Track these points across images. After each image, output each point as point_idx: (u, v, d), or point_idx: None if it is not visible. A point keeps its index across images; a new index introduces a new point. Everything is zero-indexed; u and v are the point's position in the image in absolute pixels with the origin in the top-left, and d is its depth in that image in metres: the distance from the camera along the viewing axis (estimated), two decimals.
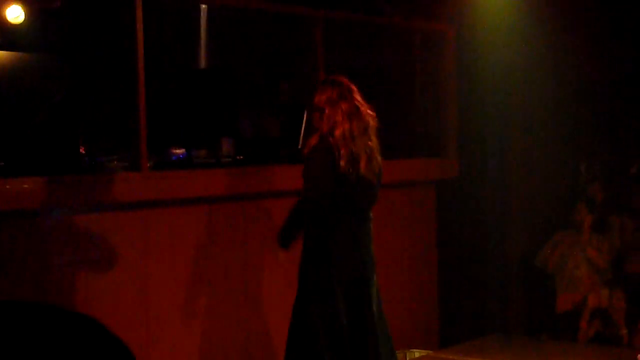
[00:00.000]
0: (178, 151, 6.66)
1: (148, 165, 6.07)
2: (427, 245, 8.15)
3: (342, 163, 4.94)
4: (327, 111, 5.08)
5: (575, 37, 8.10)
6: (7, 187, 5.33)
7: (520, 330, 8.17)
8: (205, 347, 6.30)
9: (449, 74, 8.18)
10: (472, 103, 8.18)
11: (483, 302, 8.21)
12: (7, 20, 6.59)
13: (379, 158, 5.19)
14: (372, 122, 5.12)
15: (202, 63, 7.92)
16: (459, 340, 7.84)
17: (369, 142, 5.06)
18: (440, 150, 8.21)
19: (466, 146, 8.22)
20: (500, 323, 8.20)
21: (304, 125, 7.19)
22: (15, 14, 6.60)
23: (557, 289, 8.08)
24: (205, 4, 7.77)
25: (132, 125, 5.97)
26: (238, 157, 6.94)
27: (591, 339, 7.71)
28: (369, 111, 5.12)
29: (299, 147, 7.33)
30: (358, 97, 5.12)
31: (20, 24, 6.50)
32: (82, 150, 6.03)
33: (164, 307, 6.11)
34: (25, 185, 5.39)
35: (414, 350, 7.57)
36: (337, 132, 5.00)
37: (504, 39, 8.07)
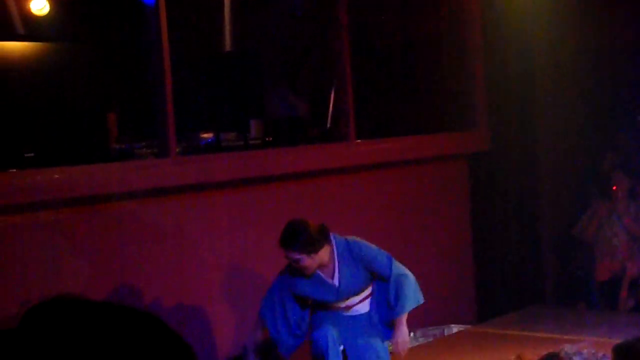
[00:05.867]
0: (206, 135, 6.67)
1: (177, 150, 6.07)
2: (460, 220, 8.11)
3: None
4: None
5: (603, 6, 8.00)
6: (38, 177, 5.36)
7: (558, 301, 8.11)
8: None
9: (476, 46, 8.10)
10: (500, 74, 8.09)
11: (519, 275, 8.16)
12: (32, 12, 6.63)
13: None
14: None
15: (227, 46, 7.91)
16: (497, 314, 7.79)
17: None
18: (471, 123, 8.14)
19: (496, 119, 8.14)
20: (537, 295, 8.15)
21: (332, 102, 7.18)
22: (40, 6, 6.64)
23: (595, 258, 8.02)
24: None
25: (159, 112, 5.97)
26: (267, 139, 6.94)
27: (631, 308, 7.64)
28: None
29: (328, 126, 7.33)
30: None
31: (45, 15, 6.54)
32: (111, 139, 6.06)
33: (200, 291, 6.13)
34: (56, 176, 5.42)
35: (452, 325, 7.55)
36: None
37: (531, 9, 7.98)
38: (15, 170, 5.38)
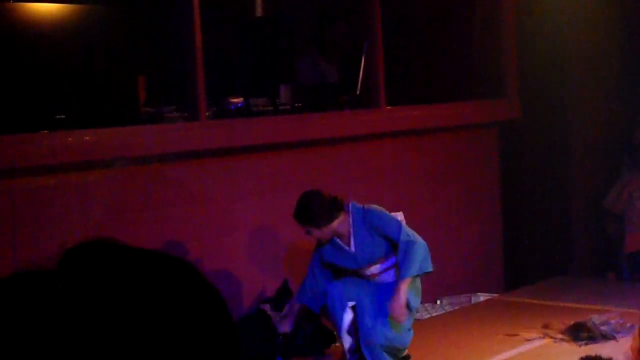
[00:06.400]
0: (236, 100, 6.67)
1: (206, 114, 6.08)
2: (490, 188, 8.08)
3: None
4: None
5: None
6: (69, 139, 5.39)
7: (586, 272, 8.07)
8: None
9: (507, 12, 8.03)
10: (531, 43, 8.02)
11: (548, 245, 8.13)
12: None
13: None
14: None
15: (258, 11, 7.89)
16: (524, 283, 7.78)
17: None
18: (502, 91, 8.08)
19: (527, 87, 8.08)
20: (565, 265, 8.12)
21: (362, 69, 7.14)
22: None
23: (625, 229, 7.97)
24: None
25: (189, 75, 5.98)
26: (296, 105, 6.92)
27: None
28: None
29: (358, 92, 7.30)
30: None
31: None
32: (141, 101, 6.07)
33: (227, 254, 6.16)
34: (87, 137, 5.45)
35: (480, 294, 7.54)
36: None
37: None
38: (46, 131, 5.41)
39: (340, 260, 5.52)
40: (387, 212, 5.48)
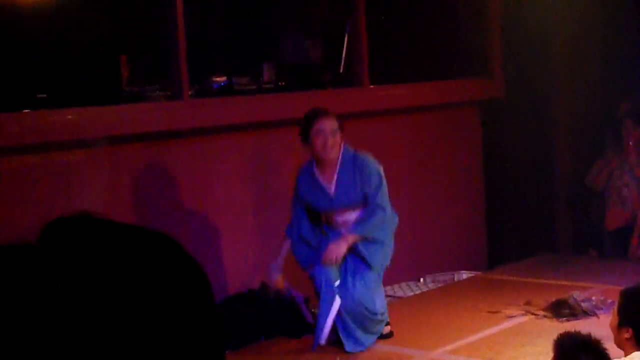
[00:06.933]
0: (219, 79, 6.67)
1: (189, 93, 6.07)
2: (473, 167, 8.10)
3: None
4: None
5: None
6: (51, 118, 5.38)
7: (568, 249, 8.12)
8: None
9: None
10: (515, 21, 8.02)
11: (530, 222, 8.16)
12: None
13: None
14: None
15: None
16: (507, 261, 7.82)
17: None
18: (485, 70, 8.09)
19: (511, 66, 8.08)
20: (547, 242, 8.16)
21: (345, 47, 7.14)
22: None
23: (606, 205, 8.00)
24: None
25: (172, 54, 5.96)
26: (280, 84, 6.92)
27: None
28: None
29: (341, 71, 7.30)
30: None
31: None
32: (123, 80, 6.06)
33: (211, 232, 6.16)
34: (69, 117, 5.44)
35: (463, 272, 7.58)
36: None
37: None
38: (28, 110, 5.39)
39: (315, 199, 5.42)
40: (376, 166, 5.37)
